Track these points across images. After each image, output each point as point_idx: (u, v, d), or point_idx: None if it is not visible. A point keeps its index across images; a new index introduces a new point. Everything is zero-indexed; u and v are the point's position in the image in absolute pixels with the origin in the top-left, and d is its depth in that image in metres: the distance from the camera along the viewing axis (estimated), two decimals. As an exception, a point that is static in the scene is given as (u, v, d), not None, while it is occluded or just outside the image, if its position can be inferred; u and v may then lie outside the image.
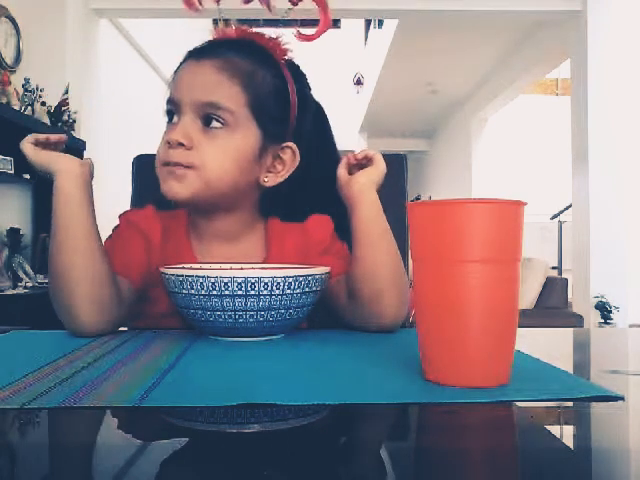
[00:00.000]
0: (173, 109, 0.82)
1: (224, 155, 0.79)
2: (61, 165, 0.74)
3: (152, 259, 0.82)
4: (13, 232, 3.04)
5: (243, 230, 0.87)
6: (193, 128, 0.79)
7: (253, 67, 0.82)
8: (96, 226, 0.76)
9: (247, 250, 0.87)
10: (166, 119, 0.84)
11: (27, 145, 0.76)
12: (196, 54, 0.82)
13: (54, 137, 0.78)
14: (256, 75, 0.81)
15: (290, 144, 0.85)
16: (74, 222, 0.73)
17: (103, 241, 0.78)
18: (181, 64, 0.83)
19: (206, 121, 0.79)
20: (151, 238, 0.83)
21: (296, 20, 1.00)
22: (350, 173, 0.83)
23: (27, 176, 3.00)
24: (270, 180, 0.85)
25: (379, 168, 0.81)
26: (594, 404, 0.45)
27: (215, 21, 0.98)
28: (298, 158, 0.85)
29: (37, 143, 0.77)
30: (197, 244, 0.87)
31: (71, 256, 0.72)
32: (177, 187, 0.79)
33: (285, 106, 0.84)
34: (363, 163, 0.82)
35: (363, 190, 0.79)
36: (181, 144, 0.78)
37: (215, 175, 0.79)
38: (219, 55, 0.81)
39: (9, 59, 3.11)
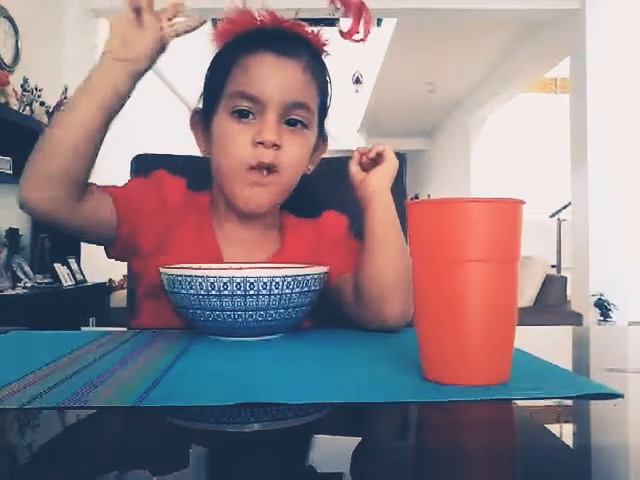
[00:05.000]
0: (249, 106, 0.79)
1: (300, 156, 0.83)
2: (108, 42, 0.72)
3: (159, 219, 0.83)
4: (12, 232, 3.04)
5: (271, 221, 0.89)
6: (281, 128, 0.80)
7: (322, 69, 0.85)
8: (99, 122, 0.72)
9: (264, 239, 0.88)
10: (226, 114, 0.81)
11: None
12: (273, 48, 0.80)
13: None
14: (324, 77, 0.85)
15: (324, 131, 0.89)
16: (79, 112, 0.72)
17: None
18: (242, 50, 0.81)
19: (288, 121, 0.81)
20: (168, 201, 0.84)
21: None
22: (363, 169, 0.82)
23: (26, 176, 2.99)
24: (311, 167, 0.89)
25: (391, 164, 0.81)
26: (594, 402, 0.45)
27: (214, 21, 0.98)
28: (327, 143, 0.90)
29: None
30: (217, 226, 0.87)
31: (61, 137, 0.71)
32: (264, 195, 0.81)
33: (327, 100, 0.88)
34: (374, 158, 0.82)
35: (376, 191, 0.79)
36: (275, 145, 0.78)
37: (292, 176, 0.83)
38: (299, 54, 0.81)
39: (7, 59, 3.10)
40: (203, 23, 0.75)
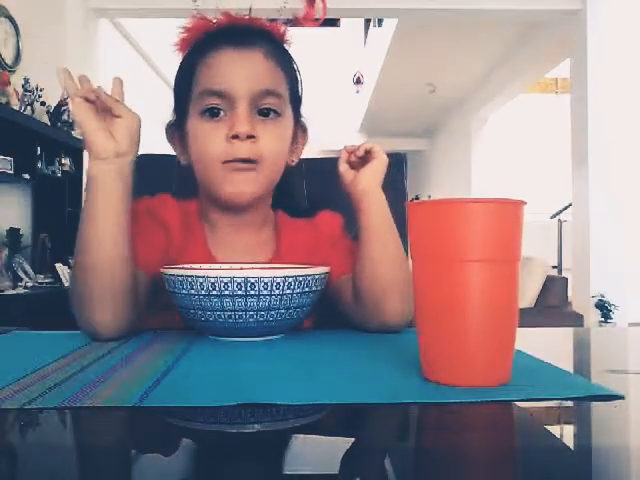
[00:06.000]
0: (218, 103, 0.79)
1: (278, 144, 0.81)
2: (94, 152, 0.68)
3: (172, 247, 0.81)
4: (13, 232, 3.04)
5: (263, 221, 0.88)
6: (254, 120, 0.79)
7: (287, 57, 0.85)
8: (125, 229, 0.71)
9: (259, 241, 0.87)
10: (199, 112, 0.80)
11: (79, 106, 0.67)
12: (232, 42, 0.80)
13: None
14: (289, 62, 0.85)
15: (302, 121, 0.89)
16: (103, 225, 0.69)
17: None
18: (203, 50, 0.80)
19: (261, 111, 0.80)
20: (170, 226, 0.82)
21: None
22: (352, 167, 0.81)
23: (27, 176, 3.00)
24: (295, 159, 0.88)
25: (381, 161, 0.79)
26: (594, 403, 0.45)
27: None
28: (308, 133, 0.89)
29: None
30: (210, 233, 0.86)
31: (97, 264, 0.69)
32: (246, 186, 0.79)
33: (298, 88, 0.87)
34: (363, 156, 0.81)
35: (368, 189, 0.78)
36: (250, 136, 0.77)
37: (273, 166, 0.81)
38: (258, 43, 0.80)
39: (9, 59, 3.11)
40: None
